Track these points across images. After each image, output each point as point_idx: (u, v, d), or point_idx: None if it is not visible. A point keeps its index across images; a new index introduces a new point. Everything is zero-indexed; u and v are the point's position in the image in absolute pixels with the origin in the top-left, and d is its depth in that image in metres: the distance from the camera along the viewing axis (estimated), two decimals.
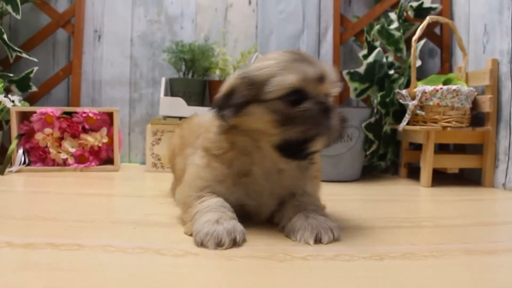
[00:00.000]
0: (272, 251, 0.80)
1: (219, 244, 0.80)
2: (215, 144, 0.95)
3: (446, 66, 2.05)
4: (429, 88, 1.66)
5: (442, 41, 2.08)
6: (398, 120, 1.82)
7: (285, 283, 0.66)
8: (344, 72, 1.87)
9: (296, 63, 0.86)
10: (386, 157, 1.94)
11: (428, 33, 2.07)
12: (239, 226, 0.85)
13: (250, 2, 2.14)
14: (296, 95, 0.85)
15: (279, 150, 0.88)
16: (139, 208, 1.23)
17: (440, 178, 1.78)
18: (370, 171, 1.95)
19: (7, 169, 1.76)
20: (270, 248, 0.82)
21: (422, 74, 2.01)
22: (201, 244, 0.81)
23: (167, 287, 0.63)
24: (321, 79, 0.86)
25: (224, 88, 0.90)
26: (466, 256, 0.82)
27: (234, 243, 0.81)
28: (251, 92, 0.86)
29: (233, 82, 0.89)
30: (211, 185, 0.94)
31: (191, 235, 0.86)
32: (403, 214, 1.20)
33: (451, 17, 2.02)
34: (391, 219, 1.13)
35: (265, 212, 0.98)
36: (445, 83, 1.70)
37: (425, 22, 1.73)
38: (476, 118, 1.74)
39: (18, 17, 1.93)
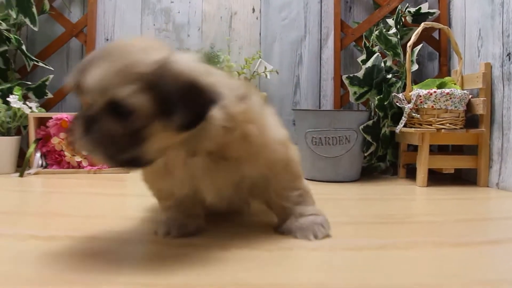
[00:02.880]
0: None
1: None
2: None
3: (444, 69, 2.12)
4: (423, 91, 1.72)
5: (440, 45, 2.14)
6: (397, 122, 1.88)
7: (272, 269, 0.75)
8: (344, 77, 1.94)
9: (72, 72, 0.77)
10: (385, 158, 2.00)
11: (426, 37, 2.13)
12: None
13: (253, 10, 2.23)
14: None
15: None
16: (144, 205, 1.32)
17: (438, 178, 1.84)
18: (370, 172, 2.02)
19: (26, 172, 1.87)
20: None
21: (421, 78, 2.08)
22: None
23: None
24: (77, 89, 0.75)
25: None
26: (434, 248, 0.90)
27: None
28: None
29: None
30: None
31: None
32: (390, 212, 1.28)
33: (448, 21, 2.08)
34: (378, 216, 1.21)
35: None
36: (439, 86, 1.77)
37: (419, 28, 1.79)
38: (471, 120, 1.80)
39: (36, 28, 2.05)
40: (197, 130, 0.76)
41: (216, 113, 0.77)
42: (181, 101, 0.71)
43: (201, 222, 0.98)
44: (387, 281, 0.70)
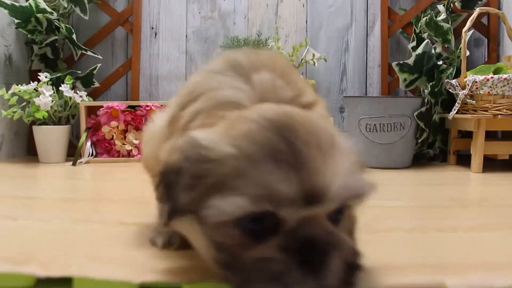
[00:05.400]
0: None
1: None
2: None
3: (494, 55, 2.10)
4: (479, 77, 1.71)
5: (489, 31, 2.12)
6: (446, 109, 1.88)
7: None
8: (394, 64, 1.94)
9: (266, 161, 0.44)
10: (434, 145, 2.00)
11: (475, 23, 2.10)
12: None
13: None
14: (259, 223, 0.46)
15: None
16: None
17: (490, 164, 1.84)
18: (418, 159, 2.02)
19: (78, 160, 1.90)
20: None
21: (468, 64, 2.04)
22: None
23: None
24: (309, 198, 0.44)
25: (169, 159, 0.52)
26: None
27: None
28: (190, 187, 0.47)
29: (179, 156, 0.49)
30: None
31: None
32: (456, 196, 1.30)
33: (498, 6, 2.06)
34: (450, 199, 1.23)
35: None
36: (495, 72, 1.75)
37: (475, 14, 1.78)
38: None
39: (86, 17, 2.07)
40: None
41: None
42: None
43: None
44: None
